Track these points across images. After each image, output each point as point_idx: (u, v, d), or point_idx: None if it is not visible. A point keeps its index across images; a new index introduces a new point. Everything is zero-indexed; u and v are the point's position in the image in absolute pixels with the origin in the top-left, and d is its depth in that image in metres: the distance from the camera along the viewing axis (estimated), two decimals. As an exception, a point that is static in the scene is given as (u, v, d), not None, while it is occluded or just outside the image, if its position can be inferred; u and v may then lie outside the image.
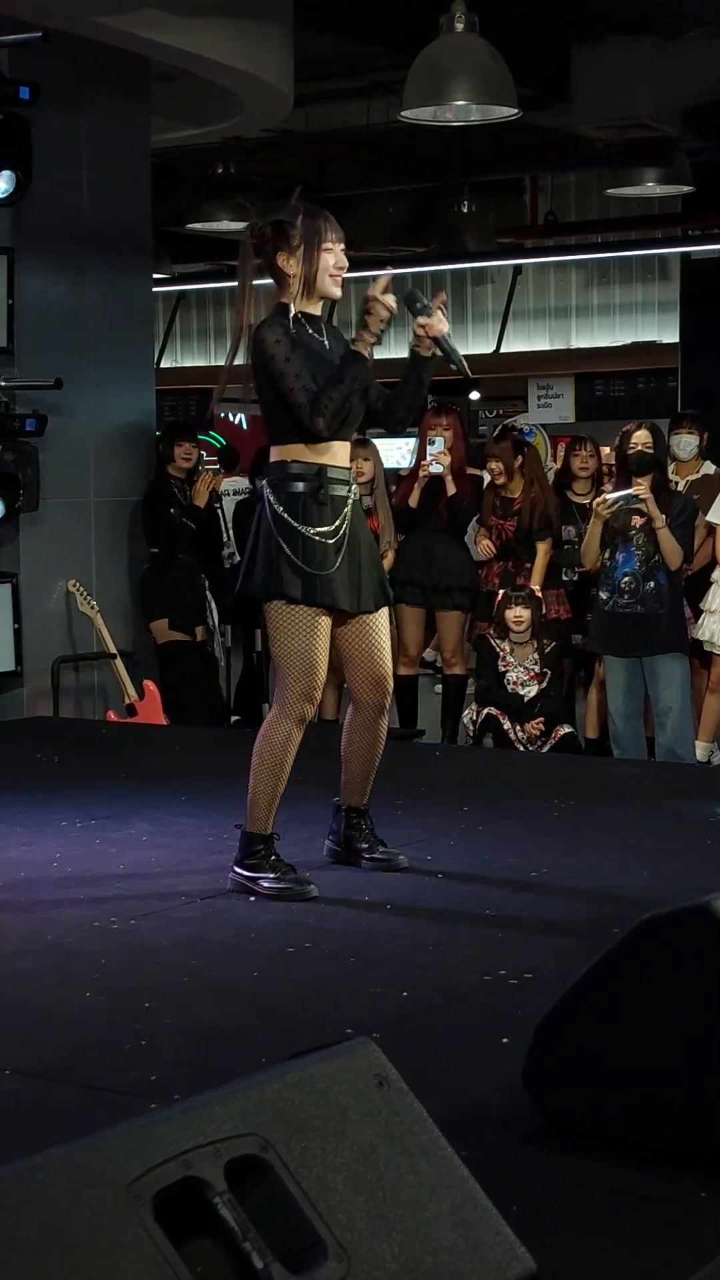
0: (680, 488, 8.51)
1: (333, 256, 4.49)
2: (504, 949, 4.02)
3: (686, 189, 10.24)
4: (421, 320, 4.64)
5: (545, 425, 14.44)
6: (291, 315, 4.50)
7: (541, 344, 14.34)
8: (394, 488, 8.96)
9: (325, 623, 4.53)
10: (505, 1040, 3.27)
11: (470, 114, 6.92)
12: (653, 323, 13.82)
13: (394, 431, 5.06)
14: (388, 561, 8.47)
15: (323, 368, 4.46)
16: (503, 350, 14.14)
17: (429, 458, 8.26)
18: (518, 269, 13.90)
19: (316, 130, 10.73)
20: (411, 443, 10.75)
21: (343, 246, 4.53)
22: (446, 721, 8.49)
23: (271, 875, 4.55)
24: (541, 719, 7.76)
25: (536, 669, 7.85)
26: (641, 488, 7.38)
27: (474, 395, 15.98)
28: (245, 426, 18.31)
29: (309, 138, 10.91)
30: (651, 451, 7.51)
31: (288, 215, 4.48)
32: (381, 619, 4.69)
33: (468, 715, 8.09)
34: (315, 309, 4.57)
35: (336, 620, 4.60)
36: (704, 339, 12.61)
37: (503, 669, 7.87)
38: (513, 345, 14.22)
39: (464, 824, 5.50)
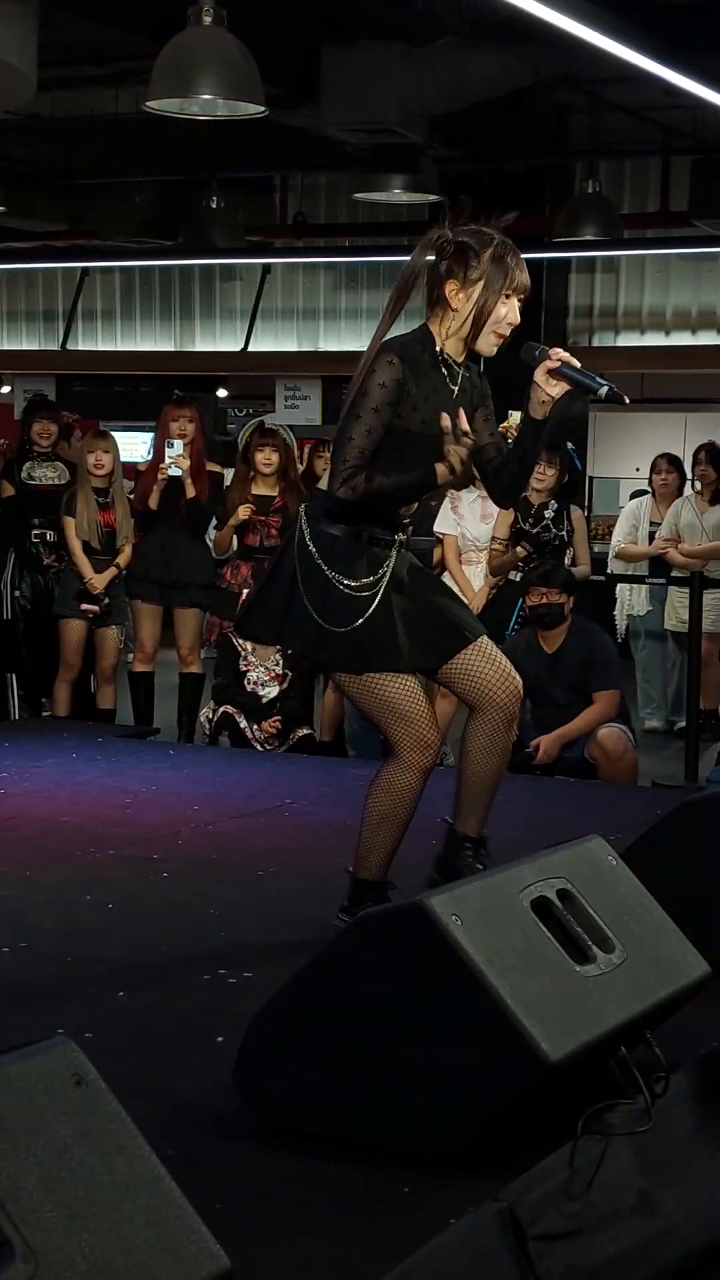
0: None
1: (507, 309, 3.83)
2: (225, 948, 4.01)
3: (433, 197, 10.35)
4: (545, 366, 3.81)
5: (292, 426, 14.48)
6: (436, 349, 3.86)
7: (289, 344, 14.37)
8: (130, 482, 8.90)
9: (395, 675, 3.91)
10: (220, 1039, 3.25)
11: (216, 108, 6.86)
12: (399, 328, 13.95)
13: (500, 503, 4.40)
14: (123, 558, 8.40)
15: (431, 418, 3.78)
16: (250, 349, 14.13)
17: (168, 460, 8.21)
18: (267, 268, 13.91)
19: (64, 116, 10.57)
20: (144, 435, 10.68)
21: (523, 298, 3.88)
22: (182, 719, 8.45)
23: None
24: (279, 718, 7.76)
25: (278, 670, 7.85)
26: None
27: (221, 392, 15.94)
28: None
29: (56, 123, 10.74)
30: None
31: (475, 241, 3.84)
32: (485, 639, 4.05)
33: (204, 713, 8.06)
34: (460, 352, 3.90)
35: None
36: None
37: (244, 668, 7.85)
38: (261, 344, 14.21)
39: (194, 822, 5.46)
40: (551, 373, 3.78)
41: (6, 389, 16.01)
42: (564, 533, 7.96)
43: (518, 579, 7.88)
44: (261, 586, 4.09)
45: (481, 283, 3.80)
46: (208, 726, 7.93)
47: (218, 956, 3.91)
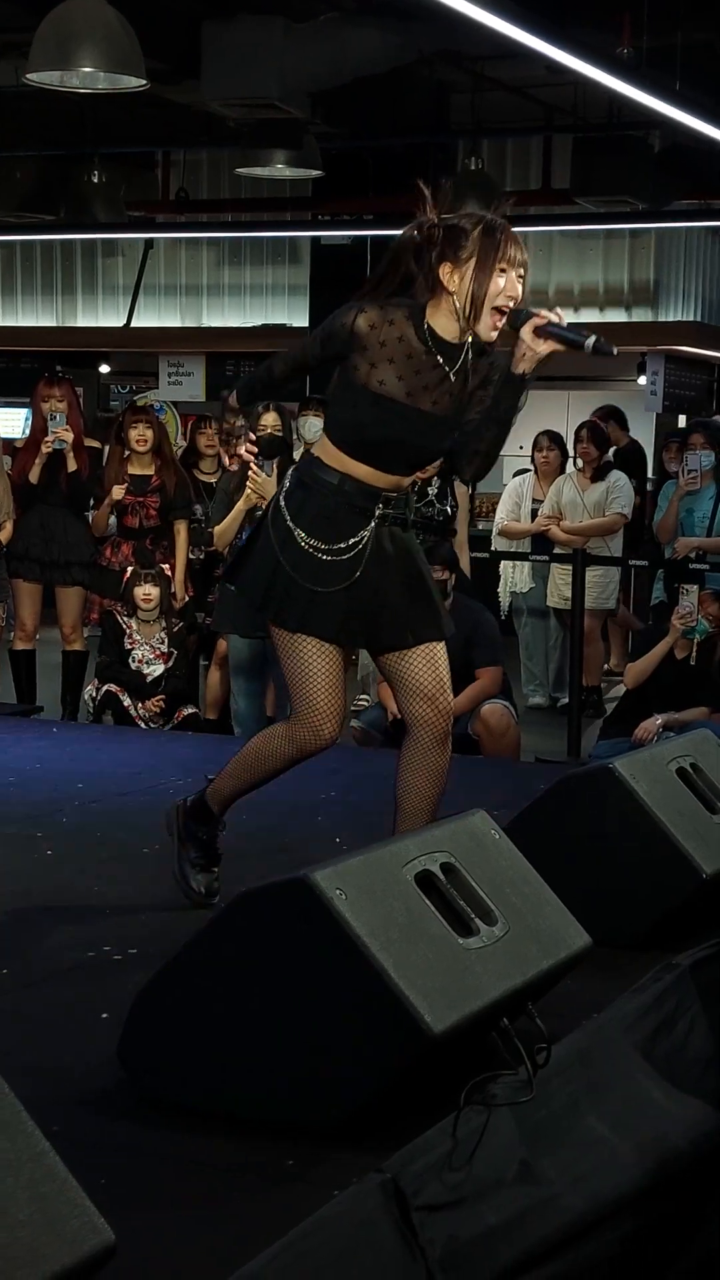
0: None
1: (504, 280, 3.72)
2: (111, 924, 4.00)
3: (316, 173, 10.35)
4: (532, 324, 3.73)
5: (175, 403, 14.42)
6: (424, 325, 3.75)
7: (172, 320, 14.30)
8: (9, 459, 8.81)
9: (320, 646, 3.89)
10: (105, 1016, 3.25)
11: (98, 82, 6.83)
12: (283, 305, 13.94)
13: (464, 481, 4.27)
14: (5, 534, 8.32)
15: (400, 387, 3.75)
16: (134, 325, 14.04)
17: (51, 434, 8.13)
18: (149, 243, 13.82)
19: (-58, 88, 10.42)
20: (25, 412, 10.58)
21: (521, 272, 3.76)
22: (66, 698, 8.40)
23: (193, 854, 4.17)
24: (163, 697, 7.75)
25: (163, 648, 7.83)
26: (267, 486, 7.38)
27: (104, 369, 15.83)
28: None
29: (-66, 95, 10.59)
30: (281, 434, 7.57)
31: (462, 221, 3.76)
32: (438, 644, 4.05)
33: (88, 691, 8.02)
34: (453, 332, 3.76)
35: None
36: (332, 323, 12.82)
37: (128, 646, 7.82)
38: (144, 320, 14.13)
39: (78, 800, 5.44)
40: (538, 331, 3.71)
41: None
42: (448, 508, 8.01)
43: None
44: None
45: (473, 260, 3.70)
46: (91, 705, 7.90)
47: (102, 933, 3.90)
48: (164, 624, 7.87)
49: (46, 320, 14.55)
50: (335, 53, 8.68)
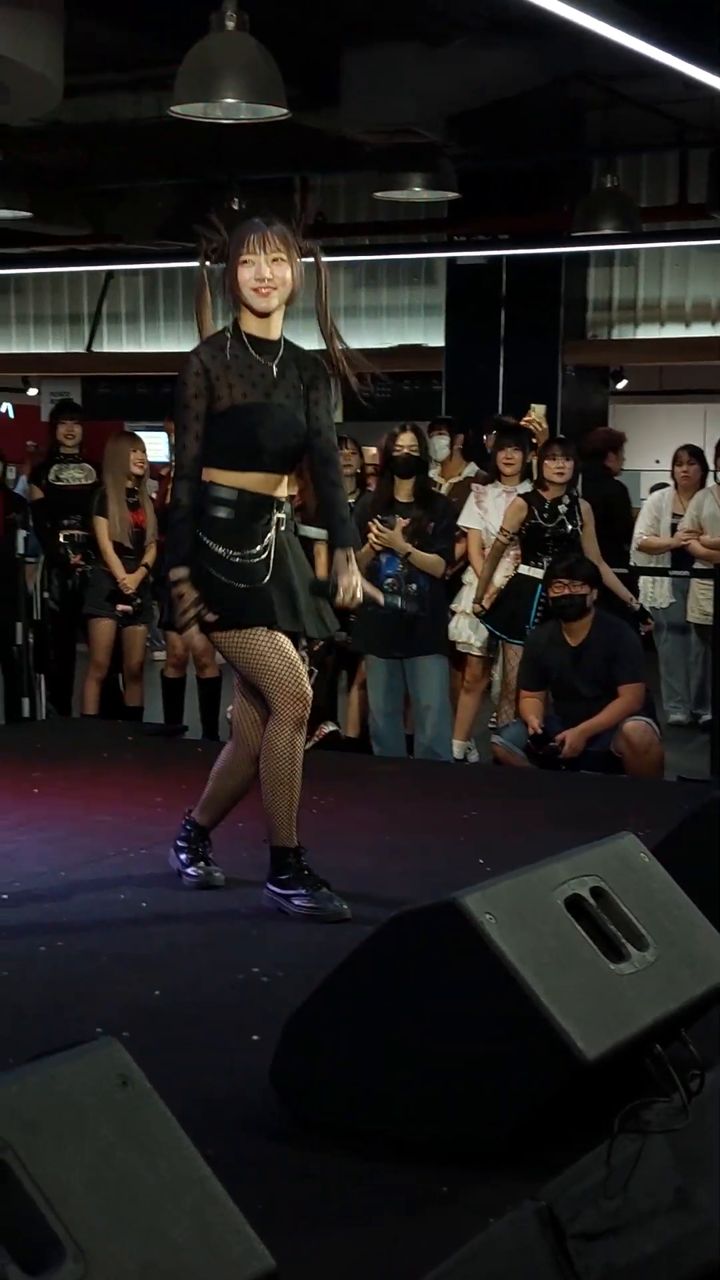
0: (444, 489, 8.66)
1: (250, 269, 4.27)
2: (258, 946, 4.04)
3: (452, 195, 10.37)
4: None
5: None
6: (237, 338, 4.31)
7: (309, 343, 14.37)
8: (155, 483, 8.94)
9: (269, 633, 4.36)
10: (255, 1037, 3.28)
11: (240, 112, 6.90)
12: (419, 326, 13.96)
13: None
14: (150, 557, 8.44)
15: (253, 391, 4.29)
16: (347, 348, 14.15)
17: None
18: (287, 267, 13.93)
19: (85, 121, 10.61)
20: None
21: (277, 256, 4.27)
22: (206, 719, 8.49)
23: (303, 892, 4.36)
24: (304, 715, 7.80)
25: (303, 667, 7.88)
26: (395, 539, 7.44)
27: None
28: (11, 415, 18.08)
29: (78, 129, 10.78)
30: (417, 454, 7.60)
31: (221, 227, 4.35)
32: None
33: (228, 711, 8.09)
34: (265, 329, 4.34)
35: None
36: (469, 343, 12.79)
37: (267, 666, 7.89)
38: (281, 343, 14.24)
39: (224, 821, 5.48)
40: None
41: (33, 391, 16.09)
42: (577, 526, 7.99)
43: (531, 572, 7.91)
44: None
45: (229, 259, 4.28)
46: (231, 724, 7.96)
47: (250, 955, 3.94)
48: (303, 643, 7.92)
49: (188, 345, 14.67)
50: (470, 76, 8.69)
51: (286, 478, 4.44)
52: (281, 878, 4.38)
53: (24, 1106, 1.89)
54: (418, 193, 10.09)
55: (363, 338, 14.15)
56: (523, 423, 9.47)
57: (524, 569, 7.95)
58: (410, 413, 11.26)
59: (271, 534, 4.36)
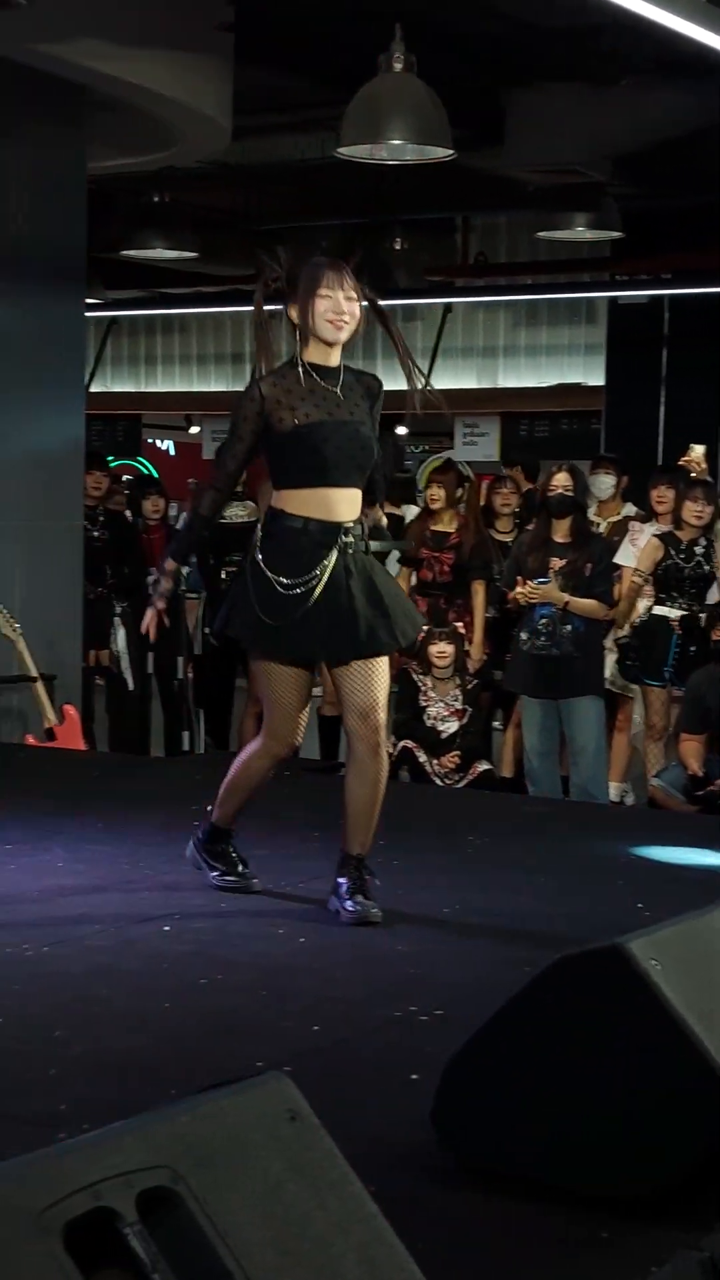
0: (601, 529, 8.63)
1: (328, 302, 4.54)
2: (415, 985, 4.04)
3: (615, 234, 10.37)
4: None
5: (471, 463, 14.54)
6: (300, 367, 4.59)
7: (469, 382, 14.42)
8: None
9: (293, 671, 4.67)
10: (414, 1077, 3.29)
11: (406, 153, 6.98)
12: (579, 365, 13.95)
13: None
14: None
15: (332, 413, 4.56)
16: (430, 387, 14.22)
17: None
18: (447, 307, 13.99)
19: (250, 163, 10.77)
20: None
21: (350, 294, 4.55)
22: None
23: (221, 868, 4.95)
24: (458, 753, 7.81)
25: (458, 705, 7.90)
26: (551, 593, 7.44)
27: (400, 430, 16.05)
28: (173, 453, 18.36)
29: (243, 170, 10.95)
30: (572, 494, 7.59)
31: (282, 263, 4.66)
32: (375, 661, 4.70)
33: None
34: (327, 358, 4.62)
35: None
36: (629, 382, 12.75)
37: (423, 704, 7.92)
38: (440, 382, 14.24)
39: (379, 857, 5.50)
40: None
41: (195, 430, 16.31)
42: (713, 568, 7.92)
43: (666, 613, 7.84)
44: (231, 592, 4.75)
45: (302, 293, 4.55)
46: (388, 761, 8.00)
47: (408, 994, 3.95)
48: (458, 681, 7.94)
49: (346, 383, 14.83)
50: (637, 116, 8.70)
51: (358, 495, 4.63)
52: (210, 847, 4.96)
53: (195, 1139, 1.92)
54: (581, 232, 10.10)
55: (522, 376, 14.18)
56: (680, 462, 9.42)
57: (659, 609, 7.89)
58: (569, 451, 11.28)
59: (331, 560, 4.54)
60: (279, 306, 4.66)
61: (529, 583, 7.43)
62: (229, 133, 7.89)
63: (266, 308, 4.72)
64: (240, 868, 4.98)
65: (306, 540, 4.54)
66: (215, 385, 15.38)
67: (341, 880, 4.72)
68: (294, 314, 4.60)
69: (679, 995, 2.68)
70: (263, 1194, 1.93)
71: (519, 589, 7.46)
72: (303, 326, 4.58)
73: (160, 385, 15.59)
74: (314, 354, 4.61)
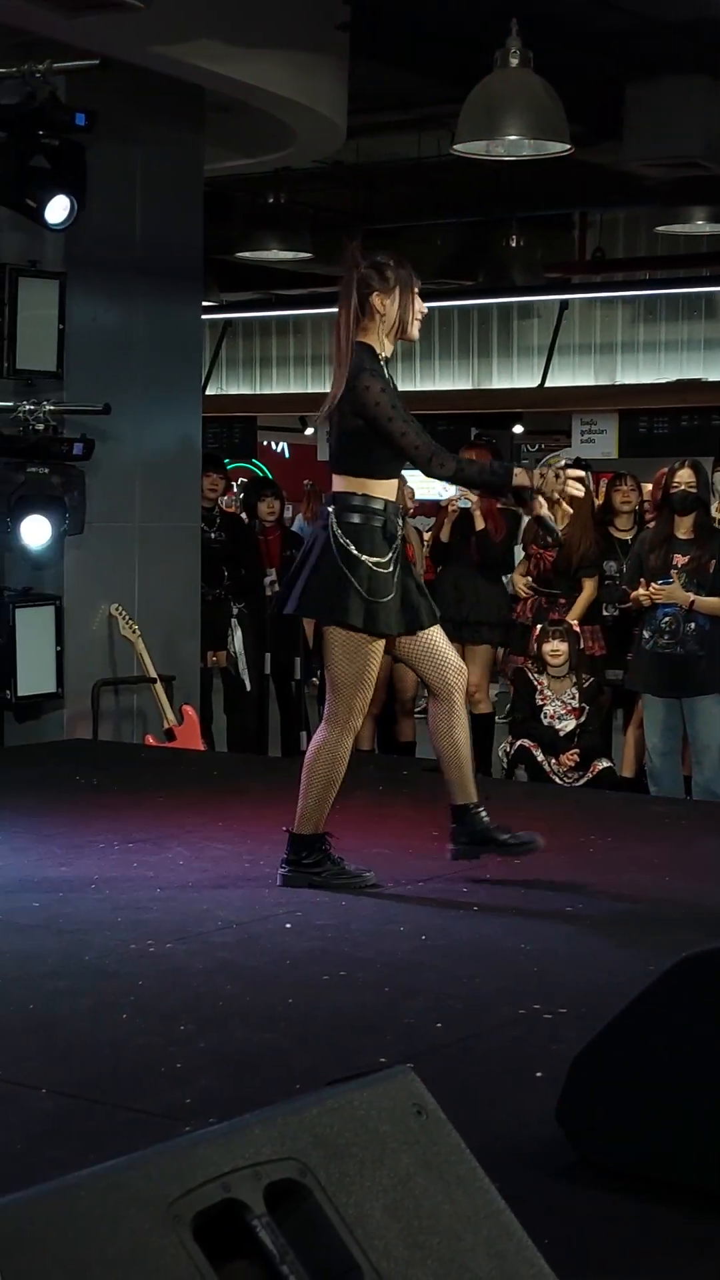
0: (723, 525, 8.53)
1: (420, 303, 4.87)
2: (538, 983, 4.02)
3: (737, 228, 10.27)
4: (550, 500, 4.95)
5: (589, 460, 14.47)
6: (382, 359, 4.83)
7: (586, 379, 14.34)
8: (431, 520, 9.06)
9: (379, 647, 4.86)
10: (539, 1074, 3.27)
11: (523, 149, 6.95)
12: (698, 360, 13.82)
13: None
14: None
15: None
16: (547, 384, 14.16)
17: (457, 493, 8.35)
18: (564, 304, 13.92)
19: (366, 162, 10.79)
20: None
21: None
22: (480, 755, 8.50)
23: (330, 868, 4.96)
24: (576, 751, 7.76)
25: (575, 704, 7.85)
26: (676, 594, 7.36)
27: (517, 429, 16.00)
28: (288, 455, 18.43)
29: (359, 169, 10.97)
30: (695, 490, 7.51)
31: (381, 257, 4.86)
32: (436, 629, 4.99)
33: (501, 748, 8.10)
34: (388, 351, 4.88)
35: (389, 642, 4.93)
36: (750, 377, 12.63)
37: (540, 703, 7.88)
38: (557, 380, 14.23)
39: (499, 856, 5.48)
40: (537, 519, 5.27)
41: (310, 431, 16.36)
42: None
43: None
44: (303, 575, 4.84)
45: (399, 288, 4.79)
46: (505, 760, 7.97)
47: (530, 991, 3.93)
48: (574, 679, 7.89)
49: (463, 383, 14.80)
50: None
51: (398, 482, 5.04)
52: (305, 861, 4.94)
53: (323, 1132, 1.92)
54: (700, 226, 10.01)
55: (640, 373, 14.07)
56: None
57: None
58: (689, 448, 11.17)
59: (399, 540, 4.86)
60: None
61: (652, 584, 7.36)
62: (344, 132, 7.90)
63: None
64: (346, 865, 5.01)
65: (386, 523, 4.80)
66: (330, 387, 15.43)
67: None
68: (384, 306, 4.78)
69: None
70: (391, 1187, 1.92)
71: (641, 590, 7.39)
72: (399, 321, 4.80)
73: (275, 387, 15.64)
74: (388, 348, 4.86)
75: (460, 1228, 1.92)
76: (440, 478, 4.97)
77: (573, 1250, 2.49)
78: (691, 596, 7.31)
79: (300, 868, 4.95)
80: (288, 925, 4.53)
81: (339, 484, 4.83)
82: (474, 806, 5.03)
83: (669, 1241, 2.60)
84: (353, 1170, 1.90)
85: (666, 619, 7.44)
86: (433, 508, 9.63)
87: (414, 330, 4.88)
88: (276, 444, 18.46)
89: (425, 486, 14.14)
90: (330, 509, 4.83)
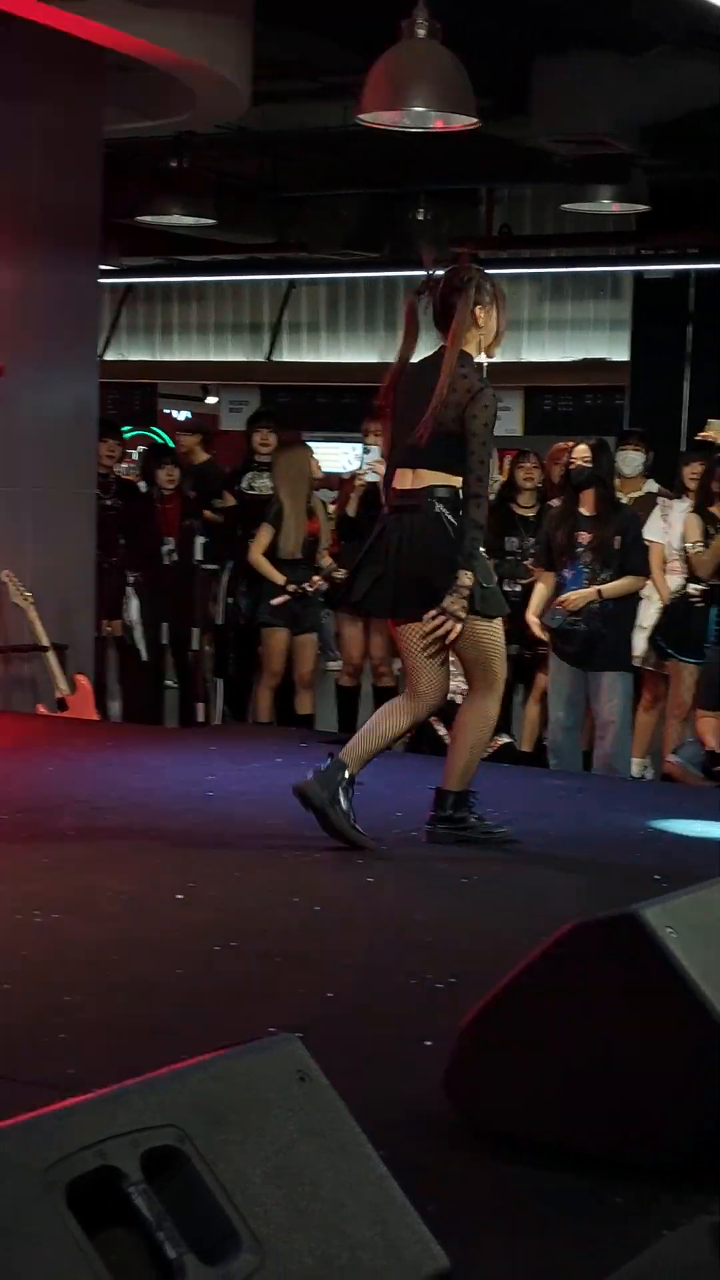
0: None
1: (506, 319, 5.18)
2: (431, 953, 4.01)
3: (642, 207, 10.28)
4: None
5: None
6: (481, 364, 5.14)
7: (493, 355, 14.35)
8: (336, 493, 9.00)
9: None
10: (428, 1043, 3.26)
11: (429, 121, 6.90)
12: (604, 340, 13.87)
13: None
14: (327, 563, 8.49)
15: None
16: (452, 360, 14.15)
17: (364, 466, 8.29)
18: (470, 279, 13.91)
19: (272, 129, 10.70)
20: (349, 446, 10.78)
21: None
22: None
23: (473, 824, 5.20)
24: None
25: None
26: (582, 595, 7.37)
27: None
28: (190, 425, 18.29)
29: (264, 136, 10.87)
30: (590, 466, 7.51)
31: (477, 273, 5.16)
32: None
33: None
34: (481, 360, 5.16)
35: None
36: (654, 358, 12.66)
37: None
38: (462, 356, 14.23)
39: (397, 829, 5.48)
40: None
41: (213, 400, 16.27)
42: None
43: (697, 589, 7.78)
44: (415, 572, 5.02)
45: (495, 303, 5.05)
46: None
47: (422, 961, 3.92)
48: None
49: (368, 356, 14.77)
50: (667, 87, 8.60)
51: None
52: (457, 815, 5.17)
53: (203, 1099, 1.89)
54: (607, 205, 10.01)
55: (546, 351, 14.10)
56: (698, 438, 9.37)
57: (694, 586, 7.83)
58: (593, 426, 11.21)
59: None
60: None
61: (563, 602, 7.31)
62: (248, 97, 7.81)
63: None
64: (487, 821, 5.28)
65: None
66: (232, 355, 15.32)
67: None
68: (485, 319, 5.03)
69: (694, 963, 2.64)
70: (272, 1154, 1.90)
71: (534, 621, 7.41)
72: (489, 331, 5.07)
73: (177, 354, 15.52)
74: (480, 358, 5.09)
75: (342, 1194, 1.90)
76: (480, 498, 5.03)
77: (457, 1216, 2.47)
78: (595, 591, 7.31)
79: (450, 823, 5.17)
80: (179, 896, 4.49)
81: (432, 478, 4.98)
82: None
83: (553, 1206, 2.59)
84: (233, 1137, 1.87)
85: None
86: (338, 481, 9.58)
87: (497, 348, 5.14)
88: (178, 412, 18.35)
89: (330, 460, 14.12)
90: (435, 500, 4.98)
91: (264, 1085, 1.96)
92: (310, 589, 8.42)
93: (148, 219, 10.68)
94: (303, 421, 14.88)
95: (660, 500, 8.39)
